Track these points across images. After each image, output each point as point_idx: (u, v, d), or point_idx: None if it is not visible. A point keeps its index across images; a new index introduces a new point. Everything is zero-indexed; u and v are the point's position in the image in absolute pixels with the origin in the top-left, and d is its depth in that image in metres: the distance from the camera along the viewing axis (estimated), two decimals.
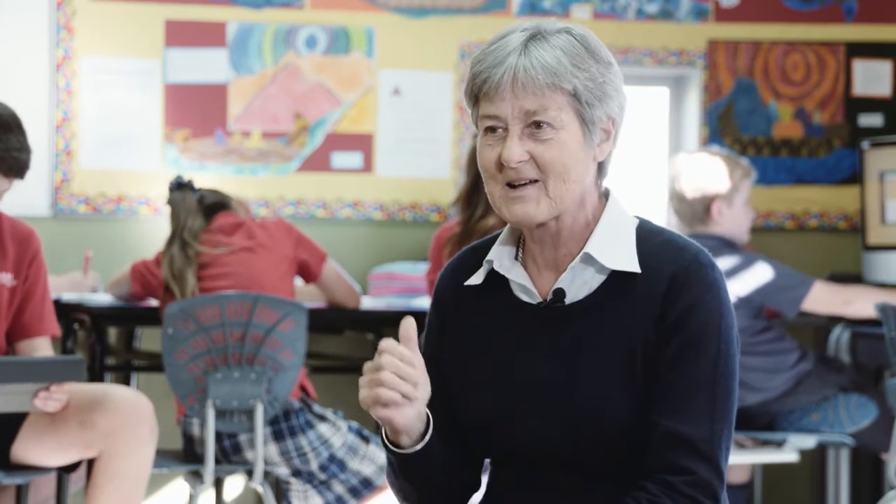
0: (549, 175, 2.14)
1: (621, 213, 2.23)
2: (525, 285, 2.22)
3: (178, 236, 4.55)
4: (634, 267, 2.17)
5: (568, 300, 2.19)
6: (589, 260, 2.19)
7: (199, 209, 4.60)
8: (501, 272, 2.23)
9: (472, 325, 2.26)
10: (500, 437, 2.21)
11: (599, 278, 2.19)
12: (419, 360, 2.10)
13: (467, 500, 2.34)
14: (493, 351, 2.23)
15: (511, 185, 2.16)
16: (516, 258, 2.25)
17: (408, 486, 2.25)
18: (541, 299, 2.21)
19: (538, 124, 2.14)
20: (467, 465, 2.30)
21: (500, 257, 2.24)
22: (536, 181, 2.15)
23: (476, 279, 2.26)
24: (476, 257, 2.28)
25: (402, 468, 2.21)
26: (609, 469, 2.17)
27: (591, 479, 2.17)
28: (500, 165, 2.15)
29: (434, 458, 2.19)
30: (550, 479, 2.19)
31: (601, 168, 2.22)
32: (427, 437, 2.16)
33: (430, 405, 2.19)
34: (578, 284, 2.19)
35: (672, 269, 2.16)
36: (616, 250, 2.18)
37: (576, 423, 2.15)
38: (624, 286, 2.17)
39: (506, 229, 2.28)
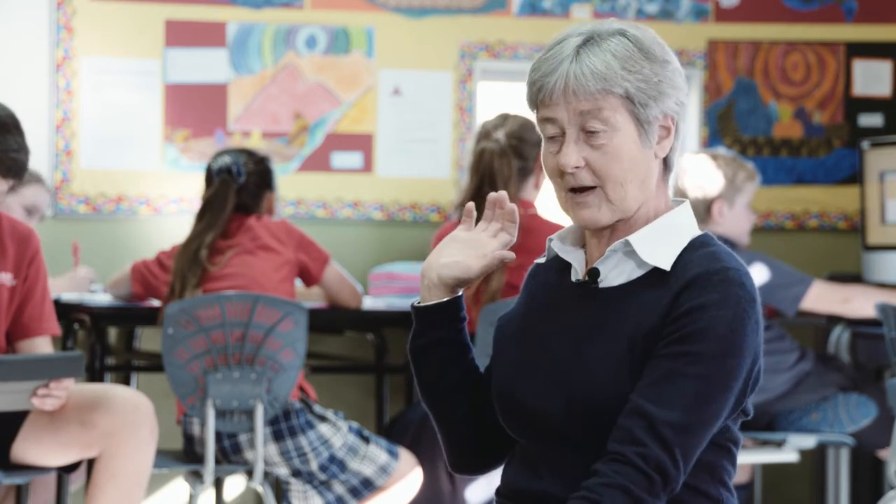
0: (606, 181, 2.20)
1: (684, 222, 2.27)
2: (574, 265, 2.28)
3: (192, 252, 4.51)
4: (665, 264, 2.20)
5: (604, 285, 2.24)
6: (632, 253, 2.22)
7: (226, 212, 4.56)
8: (556, 250, 2.30)
9: (530, 299, 2.35)
10: (516, 410, 2.27)
11: (638, 272, 2.23)
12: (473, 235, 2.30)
13: (489, 462, 2.39)
14: (530, 323, 2.30)
15: (573, 191, 2.22)
16: (583, 244, 2.32)
17: (420, 371, 2.35)
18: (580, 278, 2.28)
19: (593, 130, 2.19)
20: (495, 428, 2.34)
21: (564, 238, 2.32)
22: (594, 188, 2.21)
23: (541, 258, 2.36)
24: None
25: (417, 330, 2.31)
26: (602, 449, 2.18)
27: (586, 457, 2.18)
28: (561, 171, 2.22)
29: (447, 347, 2.31)
30: (555, 456, 2.22)
31: (666, 164, 2.27)
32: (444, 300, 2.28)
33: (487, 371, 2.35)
34: (617, 273, 2.24)
35: (696, 272, 2.18)
36: (658, 248, 2.22)
37: (576, 401, 2.19)
38: (657, 281, 2.21)
39: None
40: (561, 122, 2.20)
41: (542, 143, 2.26)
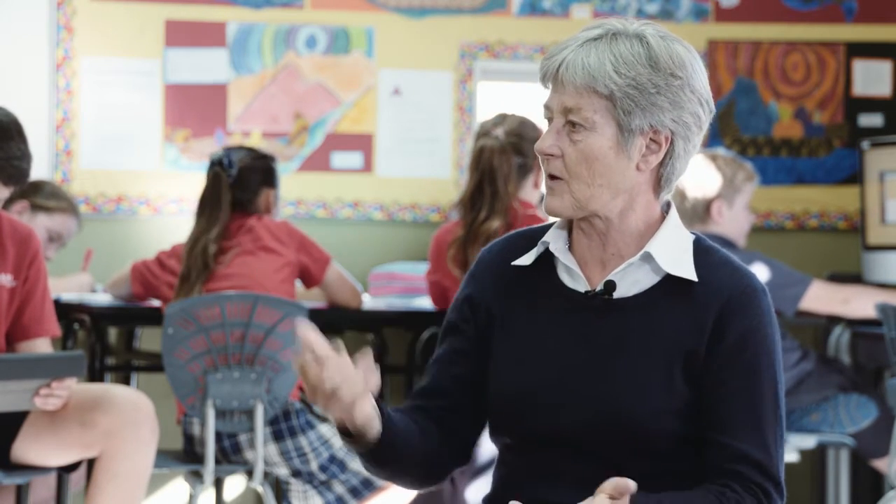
0: (573, 176, 2.18)
1: (680, 227, 2.26)
2: (574, 270, 2.24)
3: (200, 250, 4.49)
4: (692, 275, 2.19)
5: (617, 295, 2.21)
6: (647, 260, 2.21)
7: (222, 206, 4.55)
8: (556, 254, 2.25)
9: (514, 303, 2.28)
10: (526, 417, 2.23)
11: (652, 280, 2.21)
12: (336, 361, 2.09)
13: (450, 466, 2.35)
14: (533, 330, 2.25)
15: (549, 177, 2.21)
16: (568, 247, 2.27)
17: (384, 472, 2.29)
18: (589, 288, 2.23)
19: (573, 123, 2.17)
20: (449, 446, 2.31)
21: (556, 241, 2.26)
22: (561, 179, 2.19)
23: (526, 260, 2.28)
24: (525, 241, 2.31)
25: (369, 460, 2.24)
26: (629, 464, 2.18)
27: (609, 472, 2.17)
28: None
29: (398, 447, 2.22)
30: (569, 467, 2.21)
31: (660, 179, 2.22)
32: (377, 434, 2.20)
33: (438, 366, 2.29)
34: (629, 282, 2.21)
35: (729, 289, 2.19)
36: (675, 257, 2.21)
37: (603, 414, 2.17)
38: (677, 293, 2.20)
39: (561, 219, 2.30)
40: (552, 107, 2.19)
41: None
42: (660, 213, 2.25)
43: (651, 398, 2.16)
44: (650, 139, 2.17)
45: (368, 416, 2.17)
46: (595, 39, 2.17)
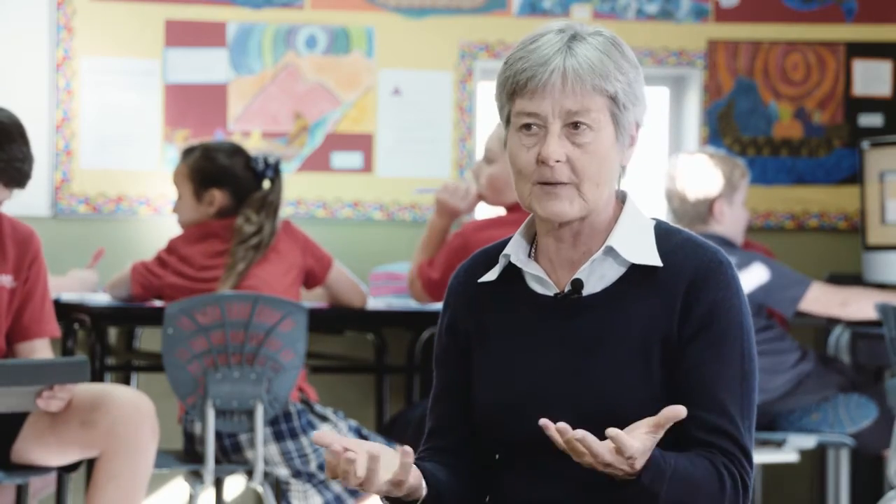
0: (584, 179, 2.18)
1: (639, 213, 2.27)
2: (541, 277, 2.25)
3: (254, 247, 4.51)
4: (656, 261, 2.21)
5: (585, 292, 2.22)
6: (610, 253, 2.22)
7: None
8: (519, 265, 2.26)
9: (488, 319, 2.29)
10: (513, 427, 2.24)
11: (618, 272, 2.22)
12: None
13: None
14: (509, 342, 2.26)
15: (544, 182, 2.19)
16: (529, 255, 2.28)
17: None
18: (558, 290, 2.24)
19: (576, 125, 2.17)
20: (476, 472, 2.32)
21: (517, 252, 2.27)
22: (568, 183, 2.18)
23: (491, 276, 2.29)
24: (488, 258, 2.32)
25: None
26: None
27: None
28: (535, 164, 2.18)
29: (444, 499, 2.23)
30: (560, 469, 2.20)
31: (623, 171, 2.26)
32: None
33: (439, 405, 2.30)
34: (596, 278, 2.23)
35: (693, 266, 2.20)
36: (637, 245, 2.22)
37: (588, 412, 2.18)
38: (643, 280, 2.21)
39: (521, 227, 2.30)
40: (544, 114, 2.17)
41: (510, 135, 2.22)
42: (616, 203, 2.27)
43: (631, 389, 2.17)
44: (629, 134, 2.23)
45: (411, 486, 2.15)
46: (572, 41, 2.19)
